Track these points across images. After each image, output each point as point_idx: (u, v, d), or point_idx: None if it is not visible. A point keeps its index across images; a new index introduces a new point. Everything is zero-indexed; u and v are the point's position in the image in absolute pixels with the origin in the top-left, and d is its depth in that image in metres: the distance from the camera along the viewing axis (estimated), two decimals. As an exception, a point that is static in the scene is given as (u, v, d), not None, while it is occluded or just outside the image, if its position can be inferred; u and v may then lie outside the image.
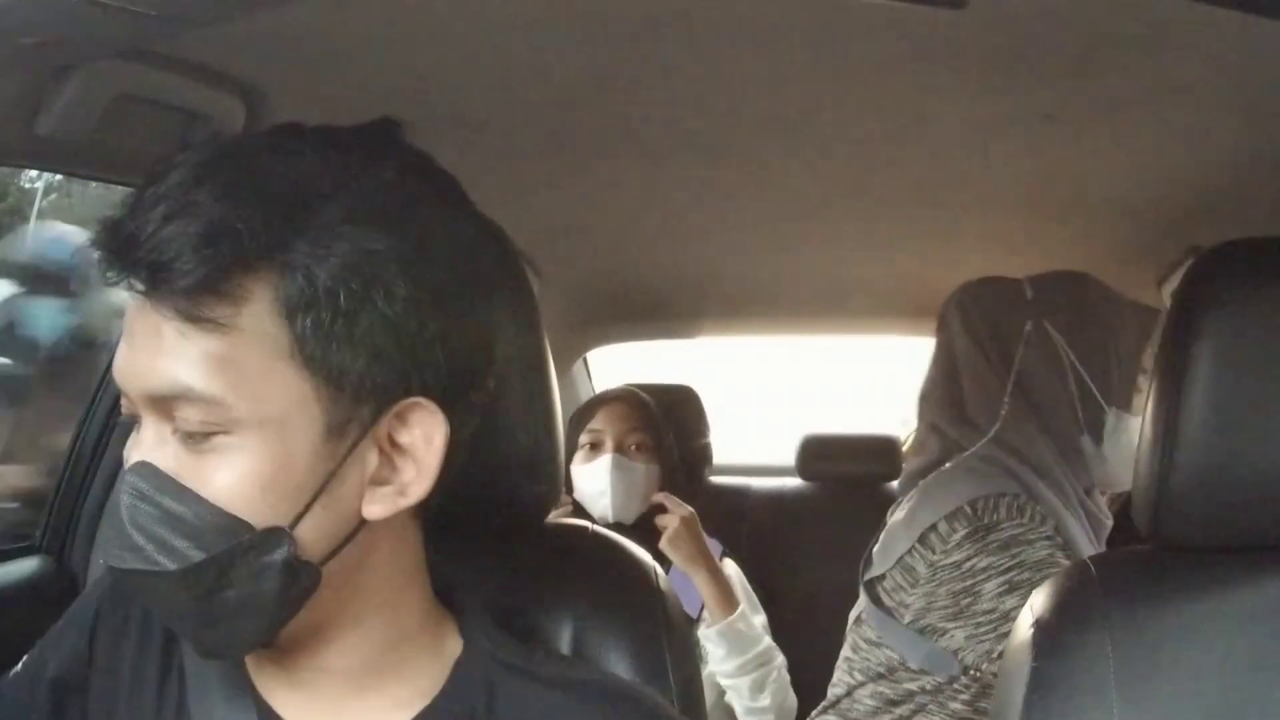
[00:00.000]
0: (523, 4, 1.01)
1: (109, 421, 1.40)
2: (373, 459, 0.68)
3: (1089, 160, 1.45)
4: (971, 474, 1.38)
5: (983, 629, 1.30)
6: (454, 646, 0.76)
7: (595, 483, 1.85)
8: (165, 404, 0.64)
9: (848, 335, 2.87)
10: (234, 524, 0.64)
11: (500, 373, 0.85)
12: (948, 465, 1.43)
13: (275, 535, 0.65)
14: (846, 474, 2.55)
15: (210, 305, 0.62)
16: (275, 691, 0.74)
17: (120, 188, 1.11)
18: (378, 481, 0.68)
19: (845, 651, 1.49)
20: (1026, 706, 0.87)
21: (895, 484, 2.50)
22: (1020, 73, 1.15)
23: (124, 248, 0.62)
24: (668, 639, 0.92)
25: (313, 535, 0.66)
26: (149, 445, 0.65)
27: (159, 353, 0.63)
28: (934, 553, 1.34)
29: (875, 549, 1.47)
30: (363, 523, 0.68)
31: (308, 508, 0.65)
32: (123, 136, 1.00)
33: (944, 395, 1.48)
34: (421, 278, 0.66)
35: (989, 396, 1.43)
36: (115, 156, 1.04)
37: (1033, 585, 1.11)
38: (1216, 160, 1.41)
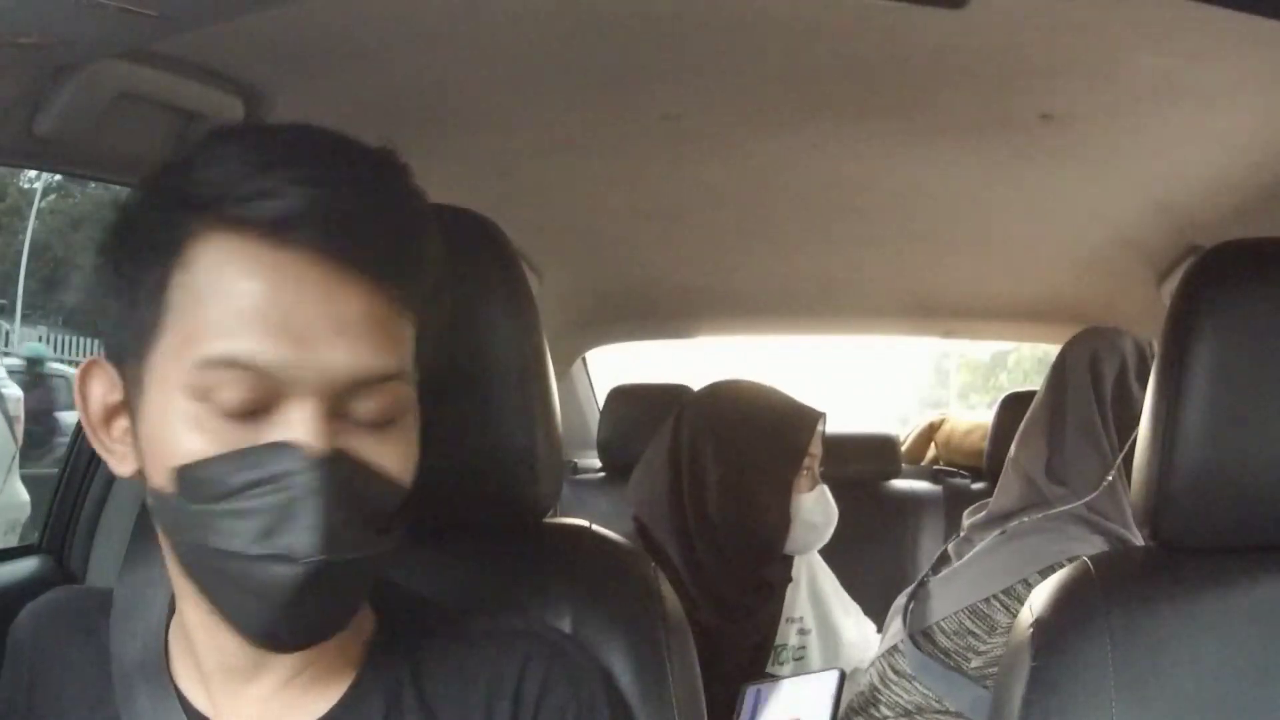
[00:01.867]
0: (521, 5, 1.01)
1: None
2: None
3: (1088, 160, 1.45)
4: (1066, 530, 1.34)
5: None
6: (369, 624, 0.76)
7: (822, 514, 1.60)
8: (363, 389, 0.65)
9: (848, 335, 2.87)
10: (405, 495, 0.68)
11: (498, 373, 0.85)
12: (1035, 517, 1.37)
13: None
14: (846, 473, 2.55)
15: (416, 295, 0.68)
16: (201, 695, 0.73)
17: (119, 187, 1.11)
18: None
19: (873, 679, 1.44)
20: (1025, 706, 0.86)
21: (895, 483, 2.51)
22: (1020, 73, 1.15)
23: (356, 226, 0.64)
24: (667, 638, 0.92)
25: None
26: (329, 433, 0.64)
27: (381, 336, 0.66)
28: (1021, 603, 1.32)
29: (934, 581, 1.42)
30: None
31: None
32: (122, 136, 1.00)
33: (1043, 441, 1.41)
34: None
35: (1090, 461, 1.36)
36: (114, 156, 1.04)
37: None
38: (1217, 160, 1.41)
